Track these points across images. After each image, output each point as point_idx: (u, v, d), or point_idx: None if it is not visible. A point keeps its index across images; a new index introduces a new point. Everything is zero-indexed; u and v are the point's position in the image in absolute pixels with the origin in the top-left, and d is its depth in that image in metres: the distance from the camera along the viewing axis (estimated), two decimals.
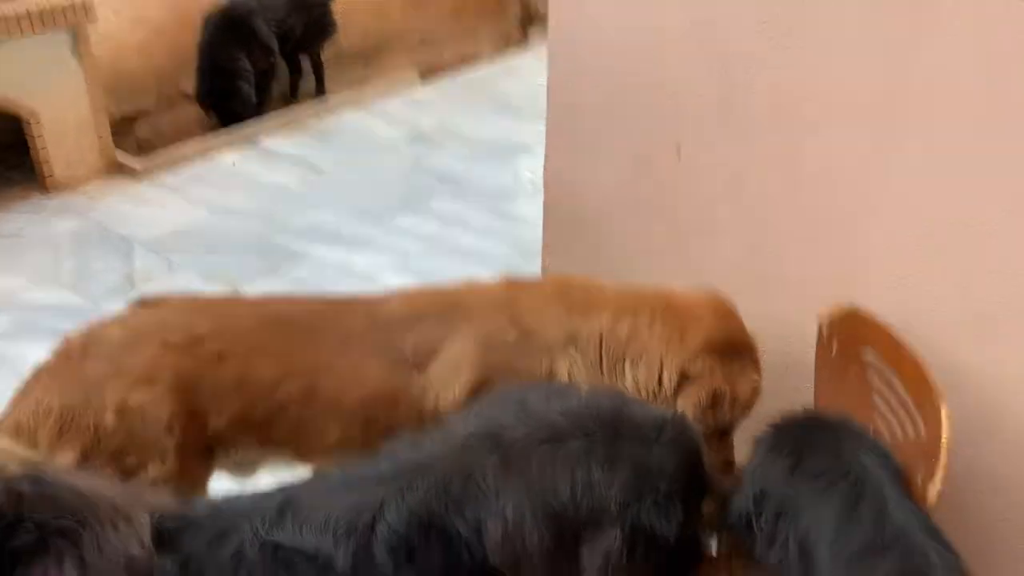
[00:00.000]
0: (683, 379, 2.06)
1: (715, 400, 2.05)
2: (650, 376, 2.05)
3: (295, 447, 2.12)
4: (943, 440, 1.70)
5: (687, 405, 2.04)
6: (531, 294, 2.14)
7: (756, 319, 2.43)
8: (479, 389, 2.05)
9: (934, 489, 1.69)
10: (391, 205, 4.73)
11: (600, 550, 1.61)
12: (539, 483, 1.60)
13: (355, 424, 2.08)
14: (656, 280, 2.29)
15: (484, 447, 1.65)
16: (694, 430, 1.76)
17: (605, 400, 1.72)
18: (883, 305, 2.18)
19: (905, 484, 1.71)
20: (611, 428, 1.66)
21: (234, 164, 5.15)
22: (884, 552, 1.53)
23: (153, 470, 1.98)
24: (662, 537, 1.63)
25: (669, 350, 2.05)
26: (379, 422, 2.08)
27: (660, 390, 2.06)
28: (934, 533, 1.58)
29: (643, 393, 2.05)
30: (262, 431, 2.08)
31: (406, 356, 2.09)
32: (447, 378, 2.06)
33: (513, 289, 2.17)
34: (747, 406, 2.11)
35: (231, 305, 2.33)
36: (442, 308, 2.13)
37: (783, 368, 2.45)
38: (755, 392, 2.11)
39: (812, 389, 2.26)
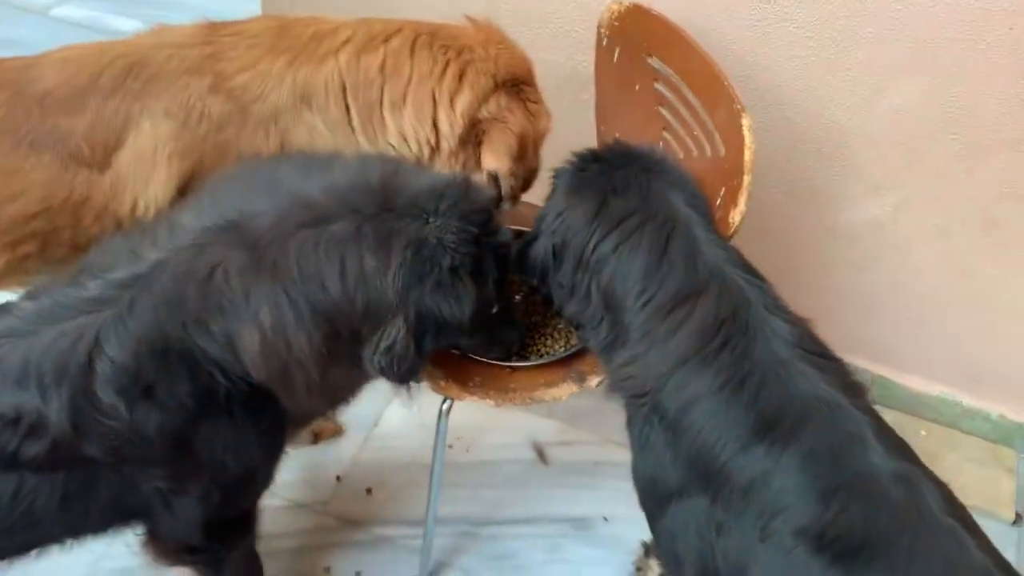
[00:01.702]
0: (474, 127, 1.66)
1: (522, 145, 1.69)
2: (420, 121, 1.62)
3: None
4: (746, 159, 1.46)
5: (496, 157, 1.67)
6: (238, 43, 1.60)
7: (524, 28, 2.05)
8: (190, 183, 1.58)
9: (737, 212, 1.48)
10: None
11: (383, 347, 1.34)
12: (300, 277, 1.28)
13: (25, 243, 1.58)
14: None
15: (223, 242, 1.29)
16: (479, 190, 1.45)
17: (374, 170, 1.36)
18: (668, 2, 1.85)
19: (712, 218, 1.49)
20: (381, 202, 1.33)
21: None
22: (699, 295, 1.33)
23: None
24: (454, 319, 1.38)
25: (443, 84, 1.62)
26: (61, 237, 1.59)
27: (438, 139, 1.65)
28: (742, 265, 1.40)
29: (415, 146, 1.65)
30: None
31: (79, 149, 1.55)
32: (141, 173, 1.57)
33: (213, 37, 1.61)
34: (541, 144, 1.78)
35: None
36: (118, 75, 1.56)
37: (560, 81, 2.12)
38: (549, 126, 1.76)
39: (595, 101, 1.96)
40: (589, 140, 1.99)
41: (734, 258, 1.40)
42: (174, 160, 1.57)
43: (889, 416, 2.33)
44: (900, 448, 1.24)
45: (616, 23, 1.78)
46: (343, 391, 1.51)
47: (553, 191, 1.48)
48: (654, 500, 1.40)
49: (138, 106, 1.55)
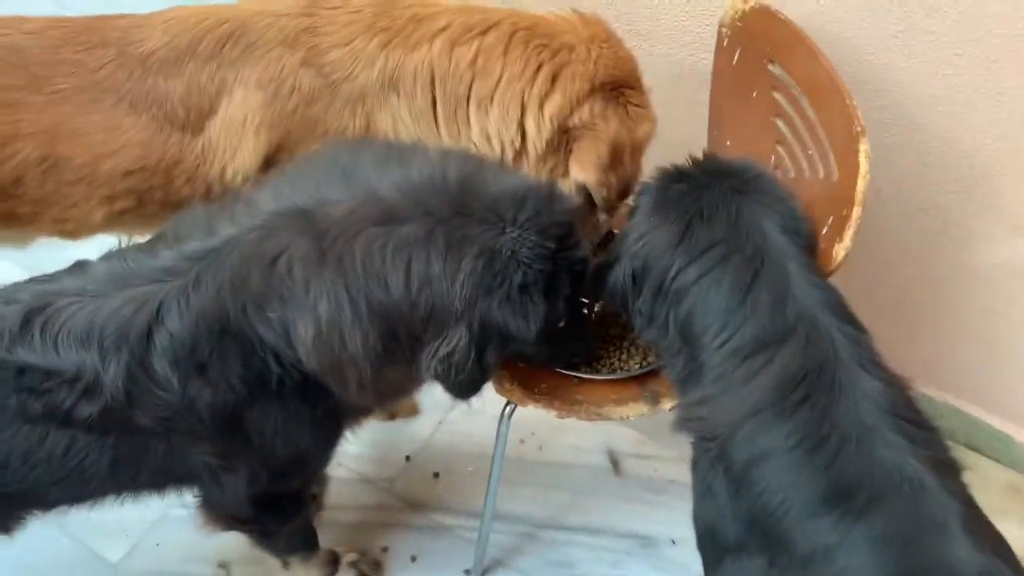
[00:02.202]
0: (565, 133, 1.56)
1: (615, 155, 1.58)
2: (506, 123, 1.54)
3: (53, 225, 1.66)
4: (859, 189, 1.31)
5: (583, 168, 1.57)
6: (336, 17, 1.56)
7: (642, 17, 1.93)
8: (276, 155, 1.57)
9: (842, 248, 1.34)
10: None
11: (442, 354, 1.29)
12: (364, 274, 1.24)
13: (121, 199, 1.61)
14: None
15: (292, 228, 1.26)
16: (563, 199, 1.37)
17: (453, 168, 1.30)
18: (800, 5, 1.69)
19: (815, 247, 1.36)
20: (457, 206, 1.27)
21: None
22: (783, 341, 1.21)
23: None
24: (519, 334, 1.32)
25: (534, 87, 1.53)
26: (154, 196, 1.61)
27: (524, 143, 1.57)
28: (839, 311, 1.25)
29: (498, 147, 1.57)
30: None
31: (174, 112, 1.56)
32: (230, 142, 1.56)
33: (313, 10, 1.57)
34: (644, 151, 1.66)
35: None
36: (217, 41, 1.56)
37: (675, 79, 1.99)
38: (653, 131, 1.65)
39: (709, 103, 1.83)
40: (704, 141, 1.86)
41: (831, 301, 1.26)
42: (262, 131, 1.56)
43: (1004, 476, 2.16)
44: (993, 542, 1.09)
45: (739, 23, 1.64)
46: (397, 390, 1.48)
47: (636, 210, 1.38)
48: (710, 551, 1.30)
49: (232, 74, 1.55)
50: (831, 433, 1.14)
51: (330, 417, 1.43)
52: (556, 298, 1.35)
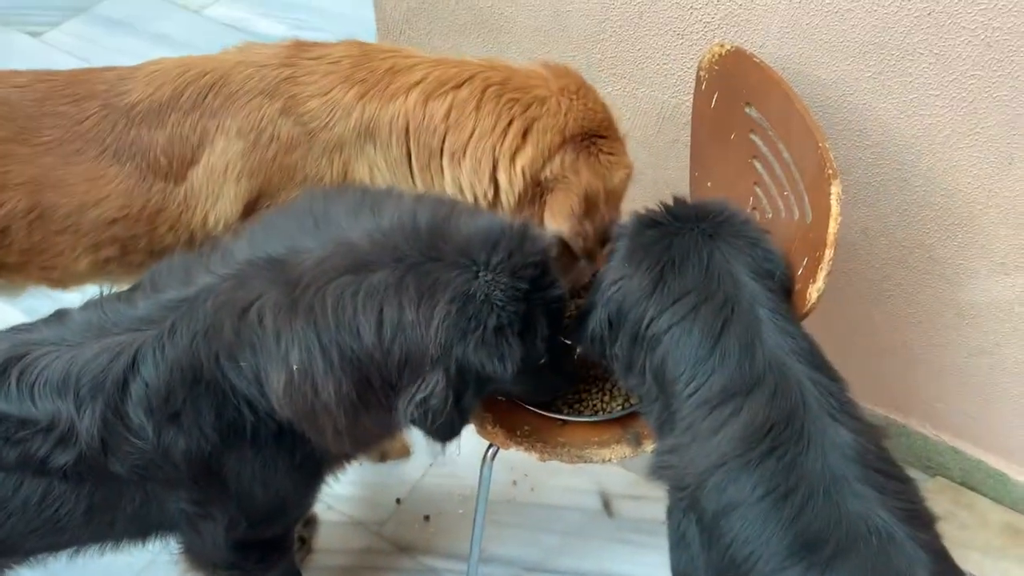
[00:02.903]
0: (538, 186, 1.57)
1: (589, 204, 1.58)
2: (478, 176, 1.56)
3: (40, 273, 1.68)
4: (831, 232, 1.31)
5: (556, 220, 1.58)
6: (315, 68, 1.59)
7: (626, 61, 1.96)
8: (257, 202, 1.59)
9: (815, 289, 1.33)
10: None
11: (419, 399, 1.29)
12: (335, 323, 1.24)
13: (106, 247, 1.63)
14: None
15: (264, 277, 1.27)
16: (537, 240, 1.36)
17: (425, 212, 1.31)
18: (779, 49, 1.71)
19: (789, 287, 1.35)
20: (428, 250, 1.27)
21: None
22: (750, 392, 1.20)
23: None
24: (496, 375, 1.32)
25: (505, 141, 1.54)
26: (138, 244, 1.63)
27: (496, 196, 1.58)
28: (810, 358, 1.25)
29: (471, 200, 1.58)
30: None
31: (157, 162, 1.58)
32: (212, 190, 1.58)
33: (293, 60, 1.60)
34: (622, 198, 1.67)
35: None
36: (199, 92, 1.59)
37: (658, 120, 2.01)
38: (629, 178, 1.66)
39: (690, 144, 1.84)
40: (687, 180, 1.87)
41: (802, 348, 1.25)
42: (243, 179, 1.58)
43: (1001, 515, 2.13)
44: None
45: (716, 67, 1.65)
46: (374, 437, 1.48)
47: (611, 255, 1.38)
48: None
49: (214, 124, 1.57)
50: (798, 484, 1.13)
51: (309, 463, 1.43)
52: (533, 338, 1.35)
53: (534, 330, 1.35)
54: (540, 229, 1.54)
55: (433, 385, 1.28)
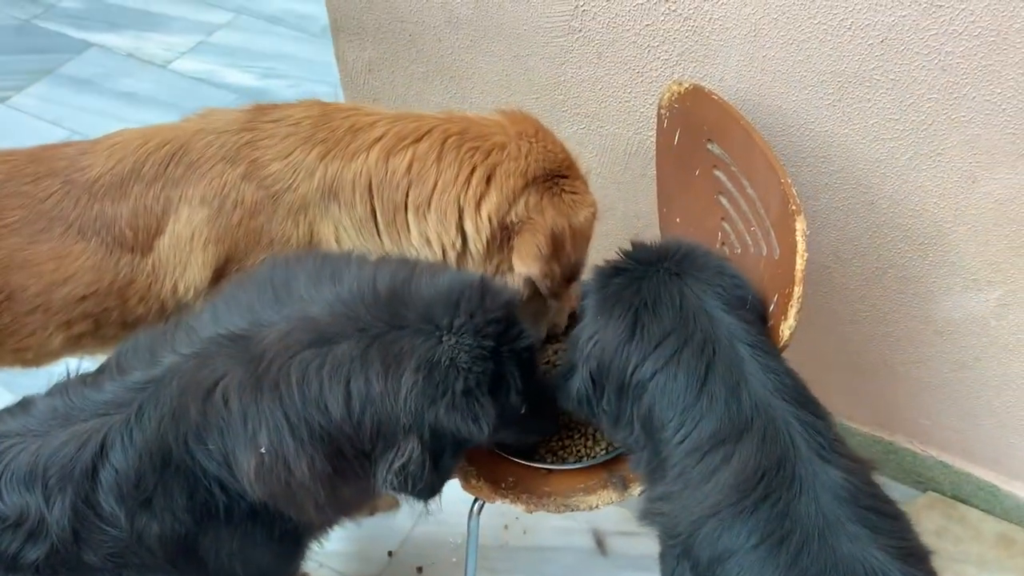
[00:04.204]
0: (505, 230, 1.57)
1: (556, 243, 1.58)
2: (445, 226, 1.55)
3: (13, 355, 1.66)
4: (798, 268, 1.31)
5: (524, 262, 1.57)
6: (275, 131, 1.58)
7: (588, 100, 1.97)
8: (225, 267, 1.58)
9: (787, 327, 1.33)
10: None
11: (397, 466, 1.27)
12: (302, 399, 1.22)
13: (78, 323, 1.61)
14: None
15: (227, 355, 1.25)
16: (499, 295, 1.35)
17: (385, 277, 1.29)
18: (738, 81, 1.72)
19: (764, 317, 1.35)
20: (390, 318, 1.26)
21: None
22: (740, 437, 1.19)
23: None
24: (472, 436, 1.30)
25: (469, 190, 1.54)
26: (110, 317, 1.62)
27: (464, 245, 1.58)
28: (795, 395, 1.24)
29: (439, 250, 1.58)
30: None
31: (123, 235, 1.57)
32: (180, 258, 1.57)
33: (252, 125, 1.60)
34: (589, 235, 1.67)
35: None
36: (160, 162, 1.58)
37: (624, 156, 2.02)
38: (594, 216, 1.66)
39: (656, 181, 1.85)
40: (655, 213, 1.88)
41: (786, 386, 1.24)
42: (210, 245, 1.57)
43: (994, 526, 2.12)
44: None
45: (676, 105, 1.66)
46: (357, 503, 1.46)
47: (582, 312, 1.38)
48: None
49: (177, 193, 1.56)
50: (793, 530, 1.12)
51: (289, 534, 1.40)
52: (506, 393, 1.34)
53: (506, 385, 1.33)
54: (501, 282, 1.55)
55: (409, 451, 1.26)
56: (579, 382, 1.36)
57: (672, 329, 1.27)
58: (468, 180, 1.52)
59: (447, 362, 1.25)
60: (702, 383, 1.23)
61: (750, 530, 1.14)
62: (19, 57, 3.79)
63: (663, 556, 1.34)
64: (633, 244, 1.37)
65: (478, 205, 1.53)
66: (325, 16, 2.22)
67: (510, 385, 1.34)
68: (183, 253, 1.57)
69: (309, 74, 3.63)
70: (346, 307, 1.25)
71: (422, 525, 2.22)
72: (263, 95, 3.54)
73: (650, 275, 1.31)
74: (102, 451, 1.23)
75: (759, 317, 1.34)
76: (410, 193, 1.55)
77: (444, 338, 1.25)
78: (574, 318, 1.78)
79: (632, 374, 1.29)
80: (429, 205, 1.54)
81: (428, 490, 1.34)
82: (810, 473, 1.16)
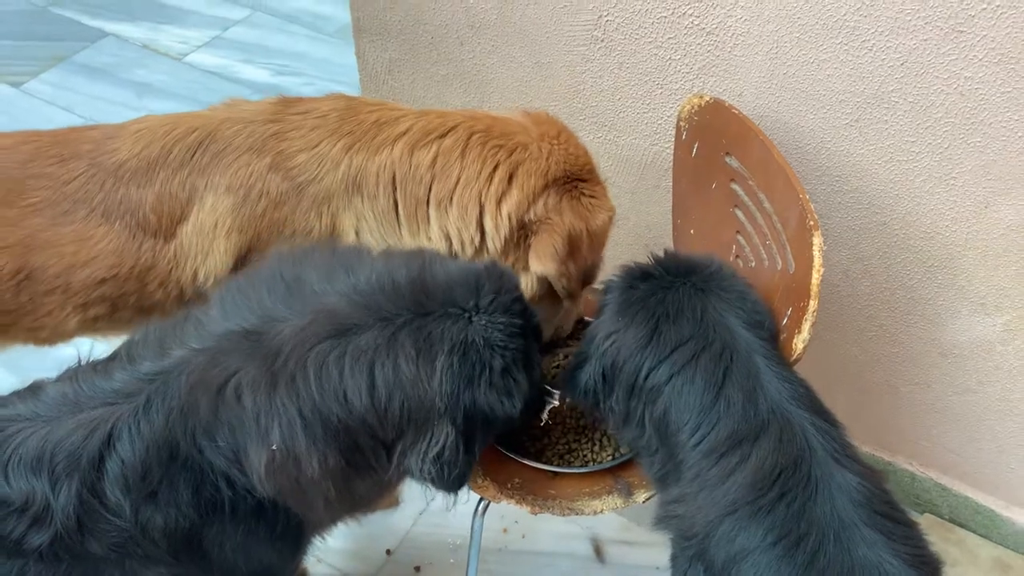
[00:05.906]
0: (523, 229, 1.59)
1: (573, 245, 1.59)
2: (465, 222, 1.57)
3: (27, 333, 1.67)
4: (813, 282, 1.33)
5: (541, 261, 1.59)
6: (302, 123, 1.60)
7: (606, 110, 1.99)
8: (247, 255, 1.59)
9: (800, 340, 1.35)
10: None
11: (432, 454, 1.28)
12: (319, 392, 1.22)
13: (95, 306, 1.62)
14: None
15: (240, 352, 1.24)
16: (512, 276, 1.39)
17: (400, 268, 1.30)
18: (757, 98, 1.75)
19: (777, 338, 1.37)
20: (414, 306, 1.26)
21: None
22: (757, 438, 1.21)
23: None
24: (506, 414, 1.32)
25: (491, 187, 1.56)
26: (128, 301, 1.63)
27: (483, 241, 1.59)
28: (809, 403, 1.26)
29: (457, 244, 1.60)
30: None
31: (146, 220, 1.59)
32: (202, 246, 1.59)
33: (280, 116, 1.61)
34: (605, 240, 1.69)
35: None
36: (187, 149, 1.59)
37: (640, 167, 2.04)
38: (611, 220, 1.68)
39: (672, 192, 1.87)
40: (669, 224, 1.90)
41: (801, 394, 1.27)
42: (233, 234, 1.58)
43: (991, 551, 2.14)
44: None
45: (695, 118, 1.68)
46: (369, 499, 1.46)
47: (602, 308, 1.40)
48: None
49: (203, 180, 1.58)
50: (809, 530, 1.14)
51: (292, 531, 1.39)
52: (533, 369, 1.36)
53: (533, 360, 1.36)
54: (524, 281, 1.57)
55: (443, 438, 1.27)
56: (589, 376, 1.38)
57: (691, 336, 1.30)
58: (491, 177, 1.54)
59: (482, 341, 1.26)
60: (719, 387, 1.25)
61: (767, 529, 1.16)
62: (34, 43, 3.80)
63: (675, 559, 1.35)
64: (666, 252, 1.40)
65: (499, 202, 1.55)
66: (340, 17, 2.25)
67: (535, 360, 1.37)
68: (206, 240, 1.58)
69: (323, 73, 3.65)
70: (365, 298, 1.25)
71: (421, 525, 2.23)
72: (277, 92, 3.56)
73: (676, 286, 1.34)
74: (109, 441, 1.23)
75: (772, 339, 1.37)
76: (433, 187, 1.56)
77: (474, 319, 1.27)
78: (579, 324, 1.81)
79: (646, 378, 1.31)
80: (451, 200, 1.56)
81: (460, 478, 1.34)
82: (826, 474, 1.18)
